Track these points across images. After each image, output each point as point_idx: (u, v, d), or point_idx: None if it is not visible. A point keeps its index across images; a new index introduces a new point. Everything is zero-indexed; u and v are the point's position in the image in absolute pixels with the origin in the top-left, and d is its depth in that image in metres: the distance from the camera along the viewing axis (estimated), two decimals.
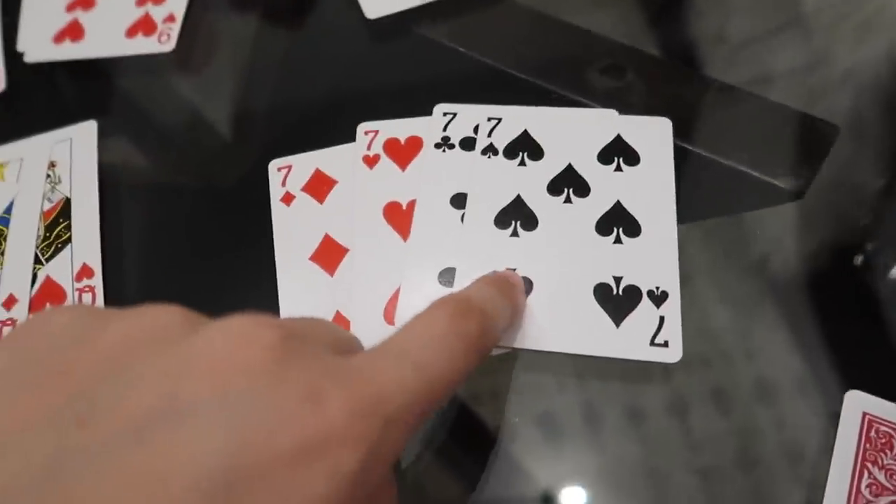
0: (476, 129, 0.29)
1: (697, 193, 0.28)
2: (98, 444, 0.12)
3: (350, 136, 0.30)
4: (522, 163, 0.27)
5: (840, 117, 0.29)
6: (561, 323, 0.24)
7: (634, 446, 0.24)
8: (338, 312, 0.26)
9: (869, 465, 0.22)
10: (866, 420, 0.23)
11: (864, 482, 0.22)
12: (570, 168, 0.27)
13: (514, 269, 0.25)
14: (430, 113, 0.29)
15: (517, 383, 0.25)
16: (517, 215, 0.26)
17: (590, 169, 0.27)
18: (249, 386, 0.13)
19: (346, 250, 0.27)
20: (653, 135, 0.28)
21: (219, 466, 0.12)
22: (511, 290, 0.22)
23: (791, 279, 0.26)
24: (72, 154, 0.32)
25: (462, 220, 0.27)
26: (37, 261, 0.29)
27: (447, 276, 0.26)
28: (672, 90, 0.32)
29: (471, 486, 0.24)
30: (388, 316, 0.25)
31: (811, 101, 0.30)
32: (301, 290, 0.27)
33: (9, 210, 0.31)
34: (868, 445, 0.23)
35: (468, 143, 0.28)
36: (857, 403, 0.23)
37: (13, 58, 0.35)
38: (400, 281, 0.26)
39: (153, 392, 0.13)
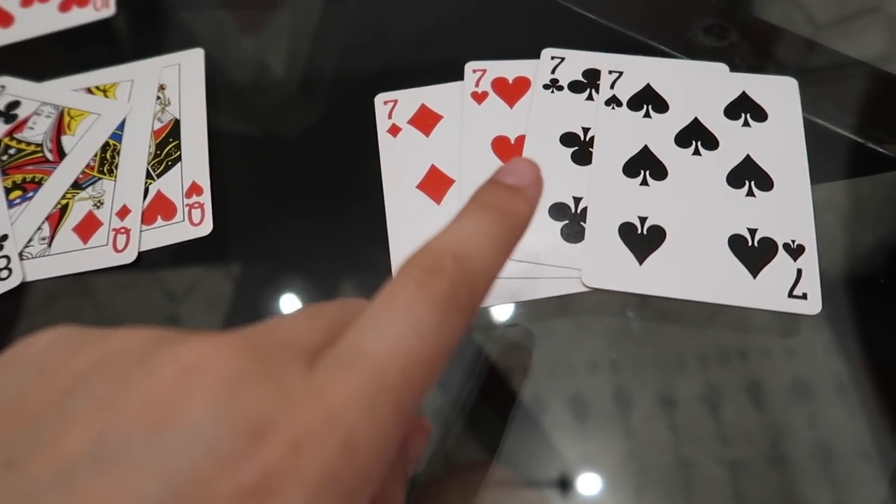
0: (585, 74, 0.29)
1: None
2: (21, 488, 0.12)
3: (447, 78, 0.30)
4: (647, 115, 0.28)
5: None
6: (696, 272, 0.24)
7: (664, 433, 0.24)
8: None
9: None
10: None
11: None
12: (696, 122, 0.28)
13: (646, 218, 0.26)
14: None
15: (551, 363, 0.25)
16: (645, 165, 0.27)
17: (717, 123, 0.27)
18: (188, 424, 0.12)
19: (452, 181, 0.28)
20: (779, 93, 0.28)
21: None
22: (505, 201, 0.17)
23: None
24: (180, 78, 0.33)
25: (572, 158, 0.27)
26: (148, 176, 0.30)
27: (556, 210, 0.26)
28: (777, 53, 0.31)
29: (497, 459, 0.23)
30: None
31: None
32: (408, 217, 0.27)
33: (121, 127, 0.32)
34: None
35: (577, 87, 0.29)
36: None
37: None
38: None
39: (86, 431, 0.12)
